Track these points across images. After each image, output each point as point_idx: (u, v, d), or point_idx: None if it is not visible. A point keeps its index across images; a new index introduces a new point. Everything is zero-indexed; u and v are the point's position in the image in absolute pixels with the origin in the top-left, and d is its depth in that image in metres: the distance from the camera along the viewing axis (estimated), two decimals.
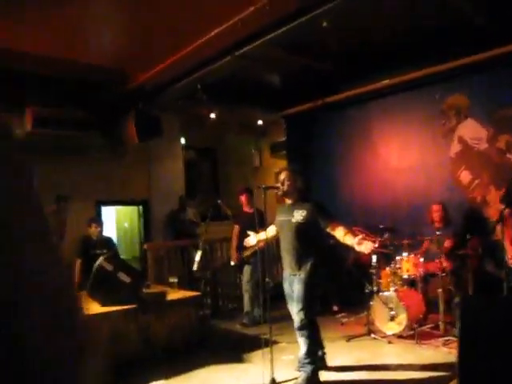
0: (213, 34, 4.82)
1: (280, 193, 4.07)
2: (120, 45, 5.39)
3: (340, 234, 3.84)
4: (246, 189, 6.17)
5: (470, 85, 6.06)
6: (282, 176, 4.08)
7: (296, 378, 3.93)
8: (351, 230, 3.87)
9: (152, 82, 5.91)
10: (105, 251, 5.45)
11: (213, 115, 7.55)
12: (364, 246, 3.66)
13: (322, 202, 4.15)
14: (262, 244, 4.27)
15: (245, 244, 4.57)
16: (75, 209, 7.32)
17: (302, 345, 3.96)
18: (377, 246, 3.59)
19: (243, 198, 6.10)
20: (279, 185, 4.07)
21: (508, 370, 1.28)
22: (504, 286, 4.52)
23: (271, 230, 4.30)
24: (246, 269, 5.99)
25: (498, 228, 4.04)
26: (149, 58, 5.55)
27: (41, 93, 5.97)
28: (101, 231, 5.78)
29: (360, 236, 3.70)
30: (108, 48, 5.45)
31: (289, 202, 4.11)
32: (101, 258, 4.73)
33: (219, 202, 6.06)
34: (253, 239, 4.37)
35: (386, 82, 6.47)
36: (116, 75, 5.89)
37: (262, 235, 4.12)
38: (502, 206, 3.85)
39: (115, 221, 9.35)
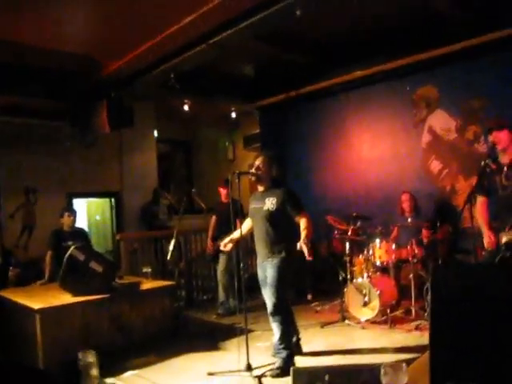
0: (187, 21, 4.77)
1: (253, 178, 4.04)
2: (92, 32, 5.26)
3: (301, 226, 3.84)
4: (225, 181, 6.17)
5: (439, 77, 6.20)
6: (257, 161, 4.04)
7: (272, 363, 3.94)
8: (309, 227, 3.80)
9: (124, 70, 5.79)
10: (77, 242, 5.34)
11: (186, 107, 7.49)
12: (304, 248, 3.64)
13: (293, 190, 4.11)
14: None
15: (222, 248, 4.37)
16: (45, 201, 7.16)
17: (275, 330, 3.96)
18: (310, 258, 3.61)
19: (223, 190, 6.12)
20: (253, 170, 4.04)
21: (478, 334, 1.32)
22: None
23: (246, 225, 4.30)
24: (222, 258, 5.98)
25: (466, 215, 4.11)
26: (121, 46, 5.43)
27: (8, 80, 5.79)
28: (74, 221, 5.64)
29: (305, 240, 3.66)
30: (79, 35, 5.30)
31: (261, 189, 4.09)
32: (72, 248, 4.63)
33: (193, 190, 6.02)
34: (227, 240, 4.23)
35: (359, 73, 6.54)
36: (87, 63, 5.75)
37: (237, 233, 4.10)
38: (470, 190, 3.92)
39: (86, 214, 9.16)
